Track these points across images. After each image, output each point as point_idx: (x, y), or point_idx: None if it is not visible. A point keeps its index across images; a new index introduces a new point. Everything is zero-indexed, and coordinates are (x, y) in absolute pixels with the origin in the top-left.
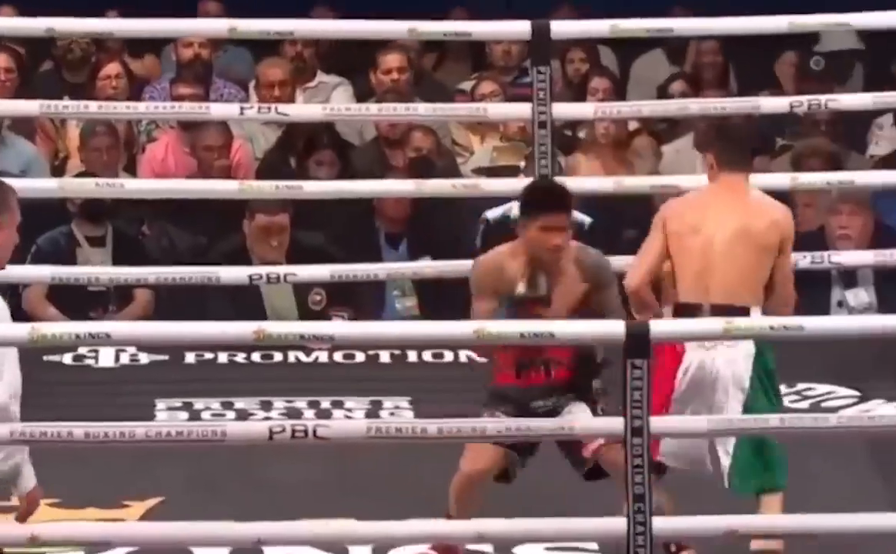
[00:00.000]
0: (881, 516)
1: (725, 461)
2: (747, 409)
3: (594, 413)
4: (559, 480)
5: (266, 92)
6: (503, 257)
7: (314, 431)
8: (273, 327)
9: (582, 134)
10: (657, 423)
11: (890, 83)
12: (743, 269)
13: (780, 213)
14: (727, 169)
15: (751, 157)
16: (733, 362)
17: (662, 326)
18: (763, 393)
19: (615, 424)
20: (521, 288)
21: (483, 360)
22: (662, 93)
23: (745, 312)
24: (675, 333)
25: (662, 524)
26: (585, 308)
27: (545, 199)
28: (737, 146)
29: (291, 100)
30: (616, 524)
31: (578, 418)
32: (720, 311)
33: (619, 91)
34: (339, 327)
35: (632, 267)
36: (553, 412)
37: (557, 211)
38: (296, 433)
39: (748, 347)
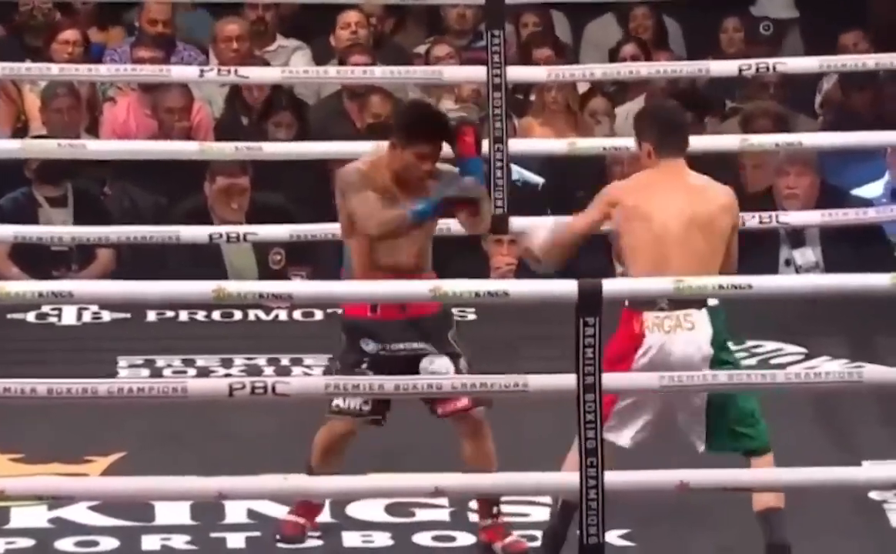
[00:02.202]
0: (827, 470)
1: (700, 447)
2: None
3: (457, 368)
4: (510, 435)
5: (224, 46)
6: (368, 169)
7: (273, 388)
8: (232, 286)
9: (533, 97)
10: (609, 380)
11: (827, 46)
12: (700, 257)
13: (727, 197)
14: (667, 155)
15: (687, 142)
16: (692, 343)
17: (615, 284)
18: (725, 364)
19: (567, 381)
20: (440, 186)
21: None
22: (614, 56)
23: (702, 300)
24: (627, 291)
25: (614, 479)
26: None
27: (428, 128)
28: (674, 132)
29: (249, 56)
30: (569, 479)
31: (530, 379)
32: (678, 299)
33: (565, 56)
34: (298, 286)
35: (565, 223)
36: (413, 360)
37: (437, 140)
38: (255, 390)
39: (706, 330)
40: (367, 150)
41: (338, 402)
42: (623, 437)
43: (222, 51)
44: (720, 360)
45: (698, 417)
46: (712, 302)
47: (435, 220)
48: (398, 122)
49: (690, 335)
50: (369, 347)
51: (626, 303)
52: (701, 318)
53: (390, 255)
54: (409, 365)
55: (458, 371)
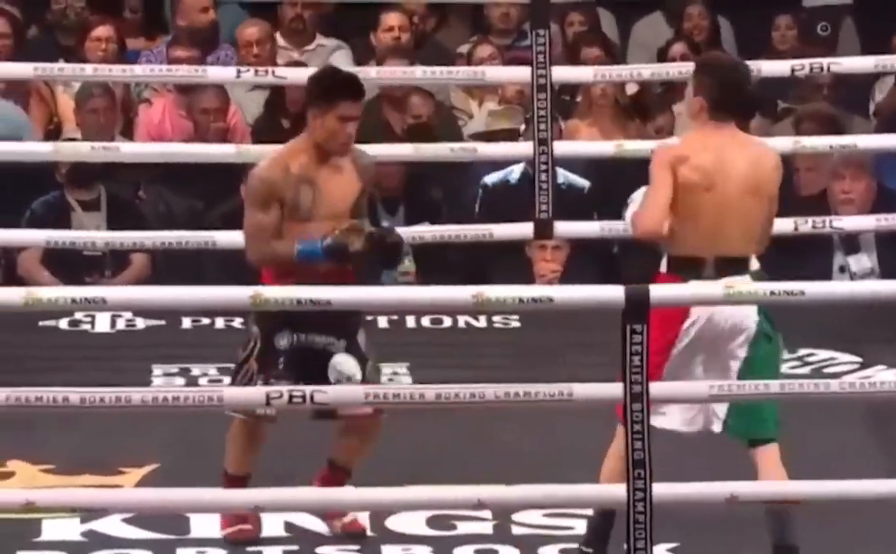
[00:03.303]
0: (881, 483)
1: (717, 428)
2: (751, 355)
3: (363, 370)
4: (555, 445)
5: (245, 52)
6: (284, 160)
7: (311, 397)
8: (269, 292)
9: (580, 99)
10: (657, 389)
11: (883, 40)
12: (751, 222)
13: (776, 159)
14: (719, 118)
15: (745, 105)
16: (738, 313)
17: (662, 291)
18: (766, 338)
19: (614, 389)
20: (329, 239)
21: (481, 324)
22: (662, 56)
23: (745, 262)
24: (675, 298)
25: (662, 491)
26: (356, 208)
27: (346, 86)
28: (733, 93)
29: (272, 60)
30: (616, 491)
31: (575, 387)
32: (724, 263)
33: (613, 55)
34: (337, 292)
35: (642, 209)
36: (326, 354)
37: (356, 99)
38: (293, 399)
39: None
40: (404, 153)
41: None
42: (673, 421)
43: (244, 56)
44: (763, 332)
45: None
46: (754, 265)
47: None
48: (314, 90)
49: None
50: (283, 342)
51: (666, 267)
52: (745, 286)
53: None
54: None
55: (364, 375)
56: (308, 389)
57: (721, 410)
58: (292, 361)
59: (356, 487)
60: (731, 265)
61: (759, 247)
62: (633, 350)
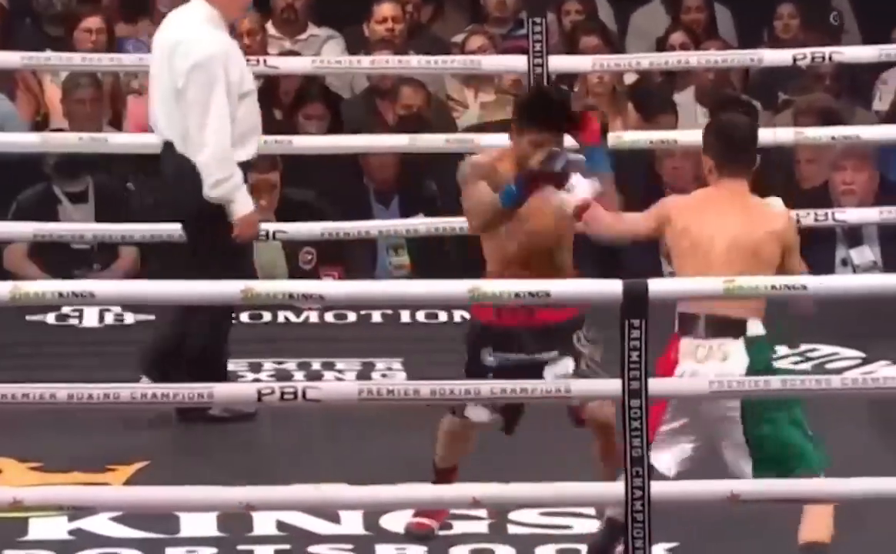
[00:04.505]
0: (886, 481)
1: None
2: (744, 416)
3: (577, 368)
4: (552, 443)
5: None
6: (493, 160)
7: (304, 393)
8: (262, 286)
9: (577, 89)
10: (656, 385)
11: (884, 32)
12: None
13: (779, 223)
14: (727, 175)
15: (753, 161)
16: (725, 374)
17: (661, 285)
18: (760, 404)
19: (613, 385)
20: (534, 162)
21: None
22: (662, 45)
23: (741, 324)
24: (675, 291)
25: (661, 488)
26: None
27: (539, 114)
28: (738, 150)
29: (263, 49)
30: (614, 489)
31: (574, 381)
32: (715, 322)
33: (612, 45)
34: (330, 287)
35: (631, 219)
36: (538, 364)
37: (548, 129)
38: (285, 395)
39: (740, 363)
40: (399, 143)
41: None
42: (663, 461)
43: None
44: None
45: (742, 451)
46: (754, 332)
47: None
48: (516, 106)
49: (721, 367)
50: (488, 360)
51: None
52: (736, 349)
53: (519, 250)
54: (536, 374)
55: (578, 371)
56: (300, 385)
57: (746, 463)
58: (500, 376)
59: (351, 485)
60: (722, 326)
61: (757, 310)
62: (631, 346)
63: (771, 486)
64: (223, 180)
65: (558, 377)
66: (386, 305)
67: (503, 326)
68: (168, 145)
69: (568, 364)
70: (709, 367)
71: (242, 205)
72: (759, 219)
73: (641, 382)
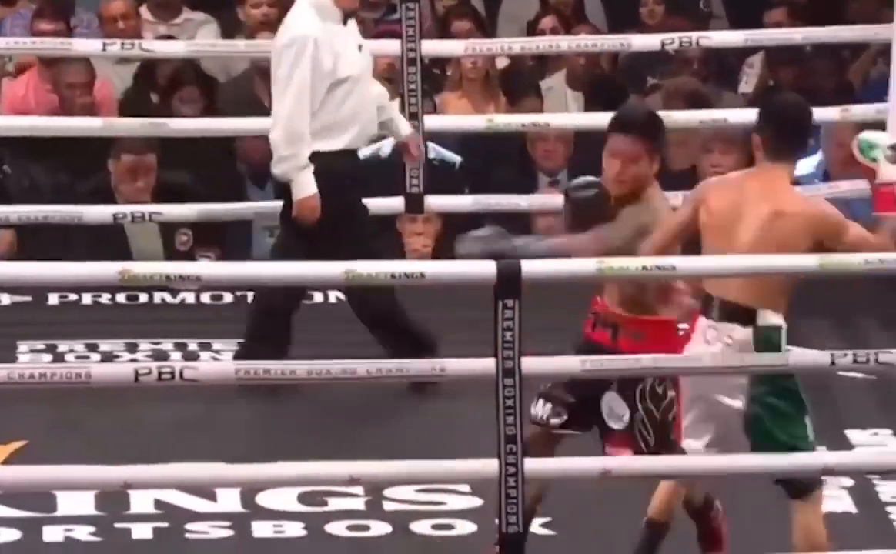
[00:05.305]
0: (752, 458)
1: None
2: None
3: (631, 418)
4: (433, 423)
5: (110, 27)
6: None
7: (181, 373)
8: (138, 267)
9: (450, 72)
10: (529, 363)
11: (753, 18)
12: (764, 277)
13: (811, 216)
14: (771, 157)
15: (800, 150)
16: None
17: (534, 265)
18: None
19: (486, 364)
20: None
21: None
22: (532, 29)
23: (751, 313)
24: (546, 272)
25: (534, 466)
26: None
27: (613, 119)
28: (788, 135)
29: (138, 33)
30: (487, 466)
31: (448, 362)
32: (726, 307)
33: (484, 29)
34: (207, 267)
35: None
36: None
37: (619, 132)
38: (162, 375)
39: (747, 349)
40: None
41: (534, 410)
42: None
43: (109, 31)
44: (760, 393)
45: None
46: (766, 322)
47: None
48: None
49: (729, 350)
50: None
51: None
52: (743, 336)
53: None
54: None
55: (630, 422)
56: (178, 365)
57: None
58: (573, 383)
59: (228, 464)
60: (733, 312)
61: (771, 302)
62: (504, 325)
63: (641, 462)
64: (287, 158)
65: (611, 408)
66: (262, 285)
67: (591, 341)
68: None
69: (622, 405)
70: (713, 349)
71: (301, 187)
72: (790, 208)
73: (515, 361)
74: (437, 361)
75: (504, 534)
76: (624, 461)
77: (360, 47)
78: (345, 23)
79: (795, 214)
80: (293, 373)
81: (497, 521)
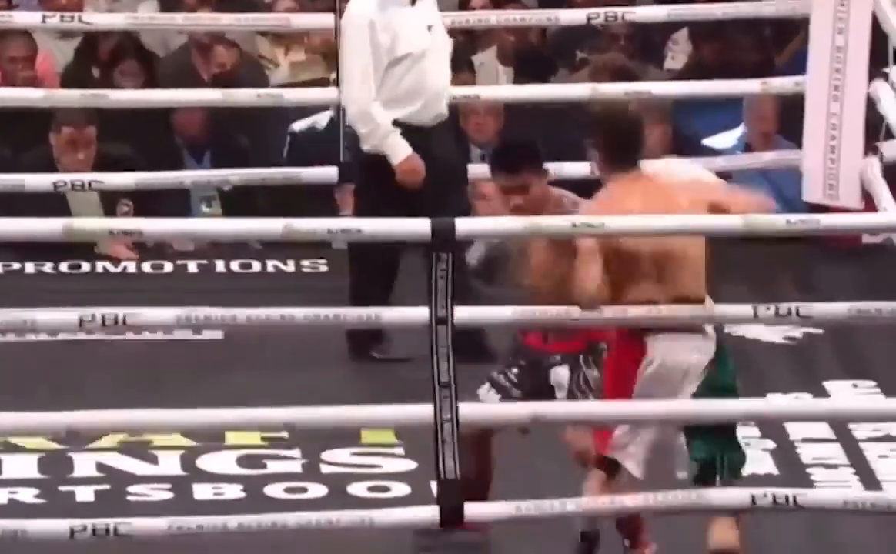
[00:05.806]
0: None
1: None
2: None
3: (571, 380)
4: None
5: (51, 3)
6: None
7: (124, 320)
8: (81, 222)
9: None
10: (461, 312)
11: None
12: (693, 263)
13: (695, 195)
14: (618, 168)
15: (640, 151)
16: (700, 349)
17: (468, 223)
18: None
19: (420, 313)
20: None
21: (290, 268)
22: (463, 4)
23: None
24: (480, 229)
25: (469, 411)
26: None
27: (495, 159)
28: (625, 142)
29: (79, 7)
30: (421, 411)
31: (383, 311)
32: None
33: None
34: (148, 223)
35: (580, 276)
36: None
37: (507, 171)
38: (106, 321)
39: (712, 338)
40: (213, 98)
41: (480, 392)
42: (632, 460)
43: (50, 6)
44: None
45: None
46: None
47: None
48: None
49: (698, 341)
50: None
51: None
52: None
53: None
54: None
55: (574, 383)
56: (121, 311)
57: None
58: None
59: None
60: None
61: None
62: (438, 275)
63: (569, 408)
64: (367, 135)
65: (559, 383)
66: (202, 242)
67: (525, 344)
68: None
69: (564, 371)
70: (685, 341)
71: (396, 152)
72: (677, 196)
73: (448, 310)
74: (373, 310)
75: (443, 479)
76: (554, 407)
77: (429, 27)
78: (413, 3)
79: (705, 200)
80: (234, 319)
81: (434, 465)
